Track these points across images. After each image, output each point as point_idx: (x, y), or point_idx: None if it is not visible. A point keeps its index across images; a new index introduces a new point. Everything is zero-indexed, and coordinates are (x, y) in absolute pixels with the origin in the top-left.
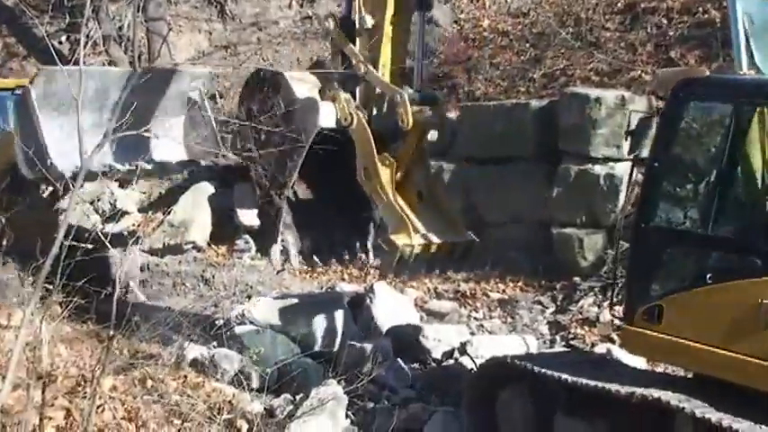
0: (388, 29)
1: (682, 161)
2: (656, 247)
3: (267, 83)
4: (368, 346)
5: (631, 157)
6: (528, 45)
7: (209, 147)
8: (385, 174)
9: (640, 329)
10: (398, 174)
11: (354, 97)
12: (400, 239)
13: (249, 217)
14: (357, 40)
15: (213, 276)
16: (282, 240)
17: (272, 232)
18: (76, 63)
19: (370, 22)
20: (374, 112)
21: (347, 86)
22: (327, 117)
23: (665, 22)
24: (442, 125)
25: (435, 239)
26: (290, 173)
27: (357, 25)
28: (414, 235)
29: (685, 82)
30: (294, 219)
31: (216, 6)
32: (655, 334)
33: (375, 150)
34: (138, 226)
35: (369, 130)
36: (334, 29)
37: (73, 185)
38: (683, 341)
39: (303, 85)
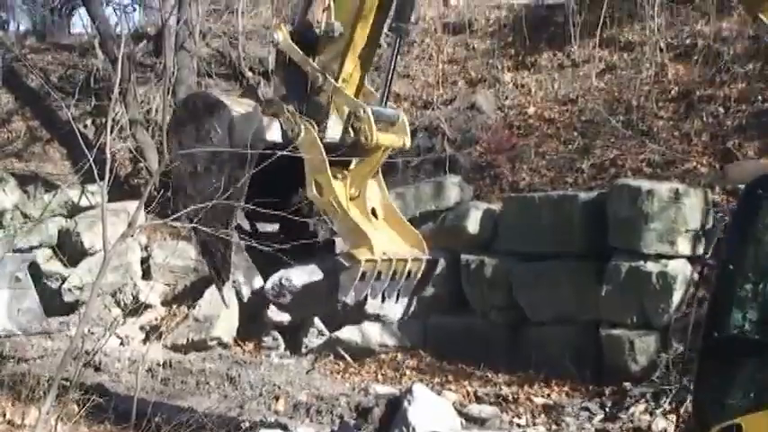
0: (357, 39)
1: (760, 264)
2: (733, 359)
3: (200, 108)
4: None
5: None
6: (576, 134)
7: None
8: (339, 187)
9: None
10: (352, 189)
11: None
12: (361, 254)
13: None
14: (319, 49)
15: (239, 375)
16: (234, 281)
17: (224, 271)
18: (102, 148)
19: (339, 29)
20: (327, 125)
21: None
22: (273, 131)
23: (722, 110)
24: (404, 146)
25: (399, 255)
26: (236, 198)
27: (321, 32)
28: (375, 250)
29: (764, 178)
30: (242, 255)
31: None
32: None
33: (327, 162)
34: (162, 320)
35: (319, 141)
36: (283, 39)
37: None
38: None
39: (239, 105)
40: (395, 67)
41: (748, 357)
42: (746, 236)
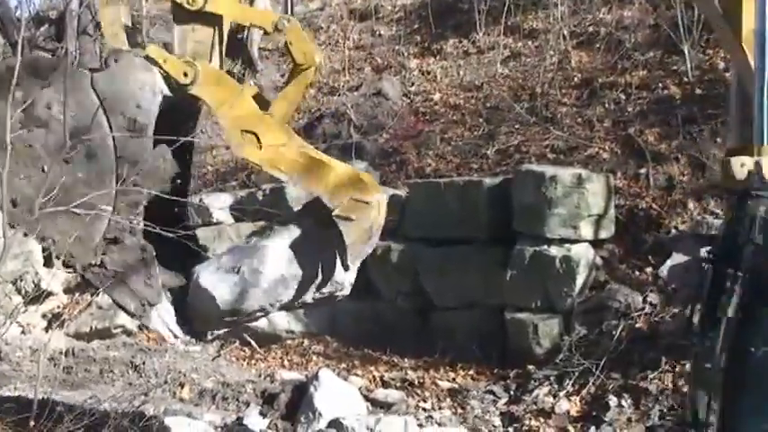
0: None
1: None
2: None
3: (23, 80)
4: None
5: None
6: (481, 120)
7: None
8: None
9: None
10: None
11: None
12: (369, 195)
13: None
14: None
15: (143, 363)
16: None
17: (149, 294)
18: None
19: None
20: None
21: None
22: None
23: (624, 97)
24: (320, 64)
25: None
26: (148, 183)
27: None
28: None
29: None
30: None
31: None
32: None
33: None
34: (64, 308)
35: (228, 76)
36: None
37: None
38: None
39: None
40: None
41: None
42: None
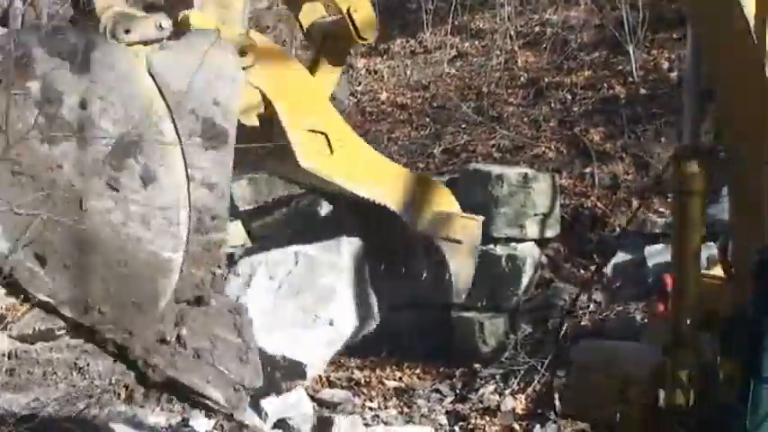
0: None
1: None
2: None
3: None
4: None
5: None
6: (428, 119)
7: None
8: None
9: None
10: None
11: None
12: (472, 217)
13: None
14: None
15: (88, 365)
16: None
17: (244, 368)
18: None
19: None
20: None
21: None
22: None
23: (569, 97)
24: None
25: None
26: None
27: None
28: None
29: None
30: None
31: None
32: None
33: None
34: (7, 310)
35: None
36: None
37: None
38: None
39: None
40: None
41: None
42: None
